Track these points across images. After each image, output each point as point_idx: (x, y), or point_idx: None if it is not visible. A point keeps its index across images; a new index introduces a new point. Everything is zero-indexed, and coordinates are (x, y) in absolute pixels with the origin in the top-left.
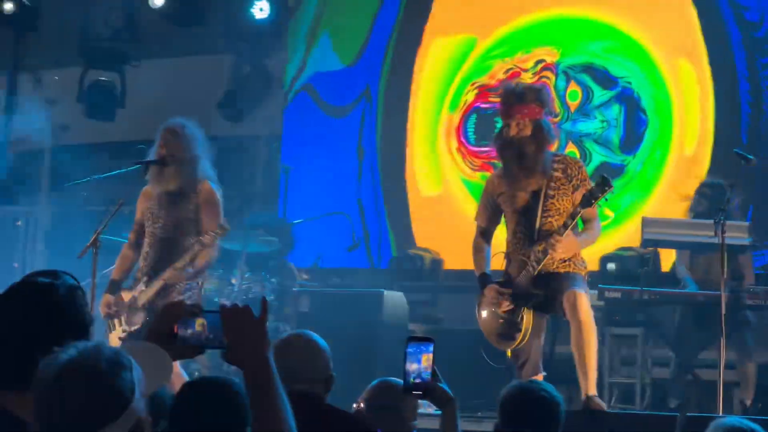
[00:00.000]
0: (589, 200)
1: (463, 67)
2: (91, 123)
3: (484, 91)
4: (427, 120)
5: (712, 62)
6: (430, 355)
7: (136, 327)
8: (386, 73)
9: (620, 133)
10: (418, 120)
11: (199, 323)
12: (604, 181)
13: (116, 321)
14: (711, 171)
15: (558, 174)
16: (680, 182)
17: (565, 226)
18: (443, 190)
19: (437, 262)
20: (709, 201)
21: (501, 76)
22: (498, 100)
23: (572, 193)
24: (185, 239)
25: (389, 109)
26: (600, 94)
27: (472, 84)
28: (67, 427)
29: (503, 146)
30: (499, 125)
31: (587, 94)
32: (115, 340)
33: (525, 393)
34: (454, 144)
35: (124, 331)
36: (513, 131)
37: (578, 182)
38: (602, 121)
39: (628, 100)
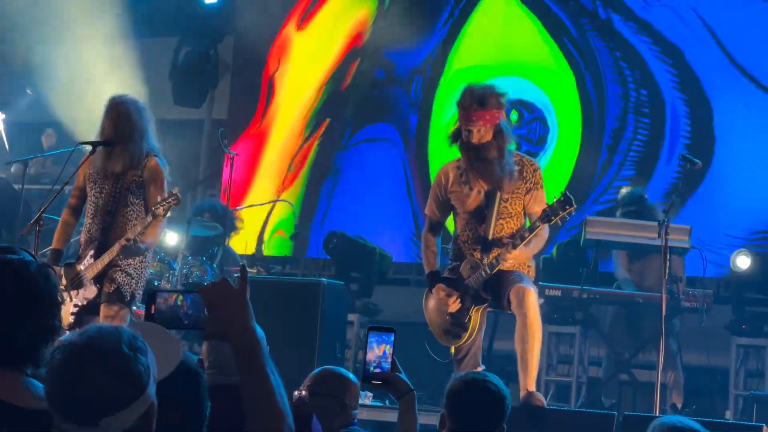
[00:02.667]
0: (549, 216)
1: None
2: (38, 101)
3: None
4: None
5: (584, 109)
6: (391, 346)
7: (88, 301)
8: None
9: (537, 137)
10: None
11: (179, 300)
12: (566, 199)
13: (65, 295)
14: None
15: (515, 176)
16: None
17: (522, 238)
18: None
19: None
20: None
21: None
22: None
23: (524, 195)
24: (127, 211)
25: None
26: (528, 116)
27: None
28: (84, 409)
29: (466, 151)
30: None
31: (521, 116)
32: (66, 315)
33: (472, 384)
34: None
35: (75, 305)
36: (474, 138)
37: (531, 185)
38: (528, 130)
39: (542, 119)
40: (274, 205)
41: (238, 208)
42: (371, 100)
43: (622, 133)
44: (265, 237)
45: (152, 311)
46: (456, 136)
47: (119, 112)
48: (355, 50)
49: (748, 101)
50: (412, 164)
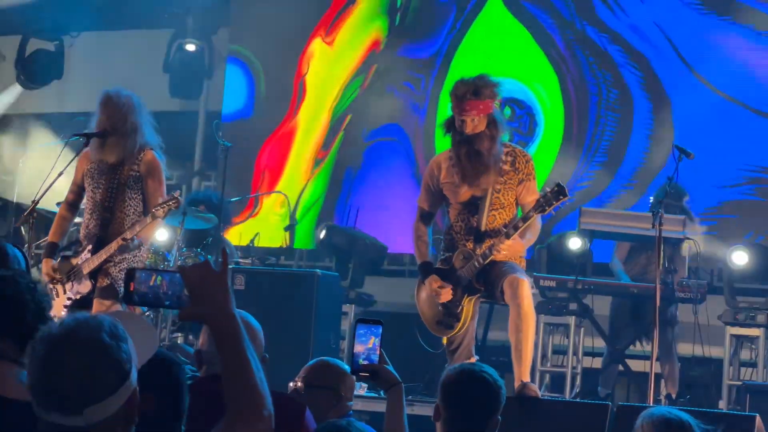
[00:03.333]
0: (542, 206)
1: None
2: (31, 93)
3: None
4: None
5: (565, 105)
6: (378, 338)
7: (81, 295)
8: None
9: (527, 129)
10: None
11: (158, 280)
12: (560, 189)
13: (59, 287)
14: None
15: (506, 167)
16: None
17: (515, 228)
18: None
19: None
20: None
21: None
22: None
23: (517, 185)
24: (125, 207)
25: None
26: (519, 111)
27: None
28: (68, 398)
29: (459, 142)
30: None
31: (513, 111)
32: (59, 307)
33: (467, 374)
34: None
35: (69, 299)
36: (468, 128)
37: (524, 176)
38: (519, 124)
39: (531, 114)
40: (299, 199)
41: (233, 199)
42: (385, 102)
43: (597, 126)
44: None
45: (131, 289)
46: (449, 126)
47: (114, 104)
48: (372, 56)
49: (700, 99)
50: (420, 163)
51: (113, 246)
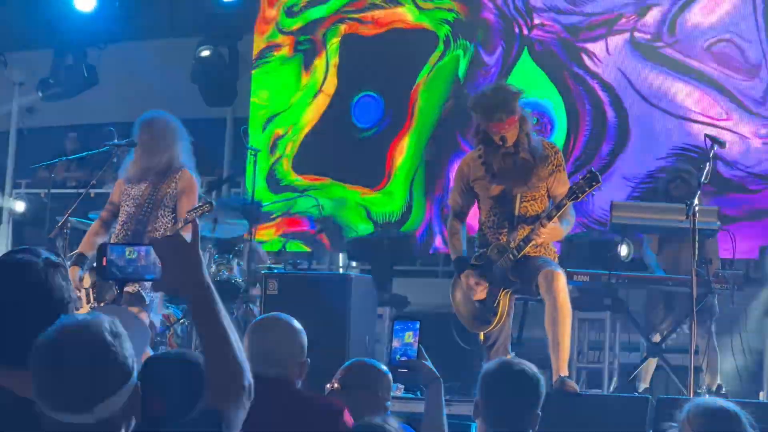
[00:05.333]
0: (575, 193)
1: None
2: (59, 105)
3: None
4: None
5: (567, 115)
6: (416, 334)
7: (105, 303)
8: None
9: (546, 130)
10: None
11: (133, 253)
12: (592, 176)
13: (83, 296)
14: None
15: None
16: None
17: (549, 217)
18: None
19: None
20: (688, 185)
21: None
22: (480, 110)
23: (548, 177)
24: (157, 223)
25: None
26: (541, 119)
27: None
28: (73, 400)
29: (504, 155)
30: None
31: (537, 119)
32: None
33: (507, 368)
34: None
35: (92, 307)
36: (510, 141)
37: (554, 167)
38: (541, 127)
39: (548, 122)
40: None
41: (265, 204)
42: (460, 122)
43: (584, 129)
44: None
45: (104, 263)
46: (484, 138)
47: (150, 126)
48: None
49: (646, 113)
50: None
51: None
